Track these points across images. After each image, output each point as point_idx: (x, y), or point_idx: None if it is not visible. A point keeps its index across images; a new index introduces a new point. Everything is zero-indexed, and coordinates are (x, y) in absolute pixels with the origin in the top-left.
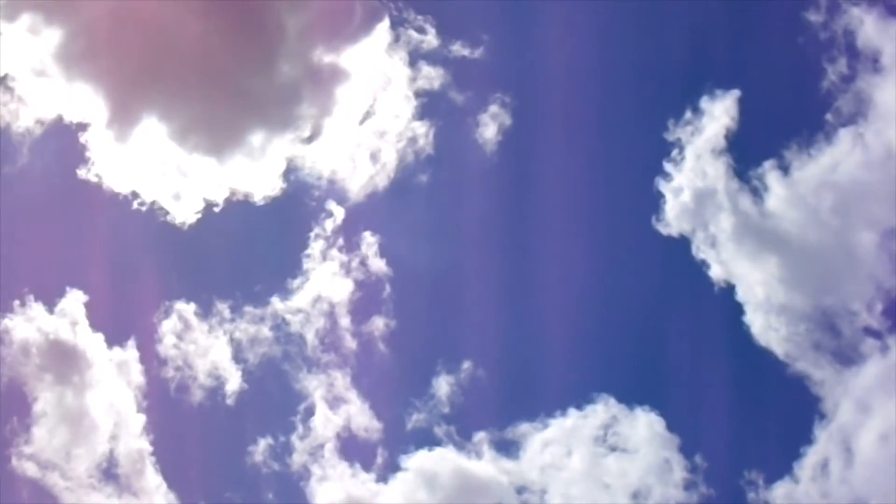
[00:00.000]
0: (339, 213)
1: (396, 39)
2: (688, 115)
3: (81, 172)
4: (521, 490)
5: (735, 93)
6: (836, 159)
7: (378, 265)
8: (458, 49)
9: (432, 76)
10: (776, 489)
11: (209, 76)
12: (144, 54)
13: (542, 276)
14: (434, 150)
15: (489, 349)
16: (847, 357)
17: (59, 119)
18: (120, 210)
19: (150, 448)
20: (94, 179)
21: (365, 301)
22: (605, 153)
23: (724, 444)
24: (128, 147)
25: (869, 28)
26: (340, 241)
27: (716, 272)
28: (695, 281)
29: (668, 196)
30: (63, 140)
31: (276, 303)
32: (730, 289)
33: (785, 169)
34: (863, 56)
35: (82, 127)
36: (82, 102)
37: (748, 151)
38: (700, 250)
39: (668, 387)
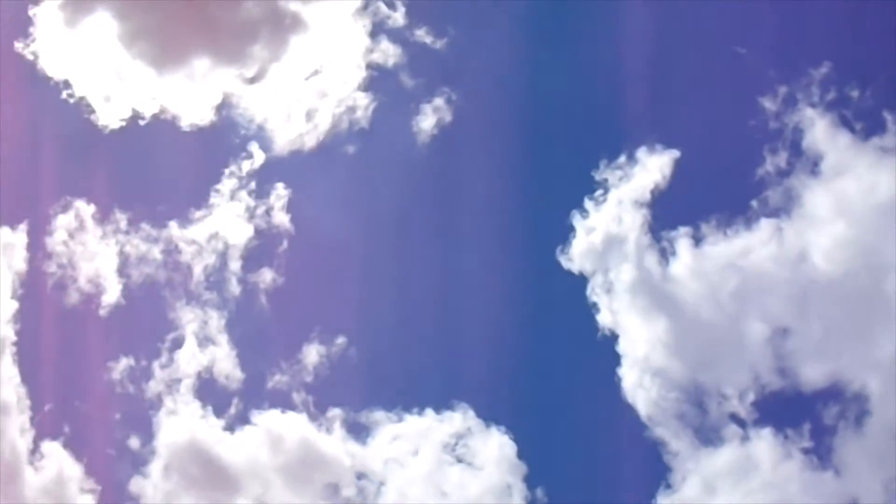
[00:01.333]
0: (259, 157)
1: (365, 7)
2: (622, 159)
3: (20, 45)
4: (360, 476)
5: (674, 153)
6: (751, 246)
7: (282, 219)
8: (422, 35)
9: (389, 53)
10: None
11: None
12: None
13: (436, 274)
14: (368, 126)
15: (367, 331)
16: (707, 436)
17: None
18: (47, 95)
19: (13, 337)
20: (30, 57)
21: (260, 251)
22: (532, 174)
23: (568, 485)
24: (74, 34)
25: (818, 132)
26: (252, 186)
27: (604, 318)
28: (582, 321)
29: (580, 232)
30: (11, 8)
31: (174, 228)
32: (613, 338)
33: (698, 240)
34: (804, 156)
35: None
36: None
37: (668, 212)
38: (595, 293)
39: (529, 415)
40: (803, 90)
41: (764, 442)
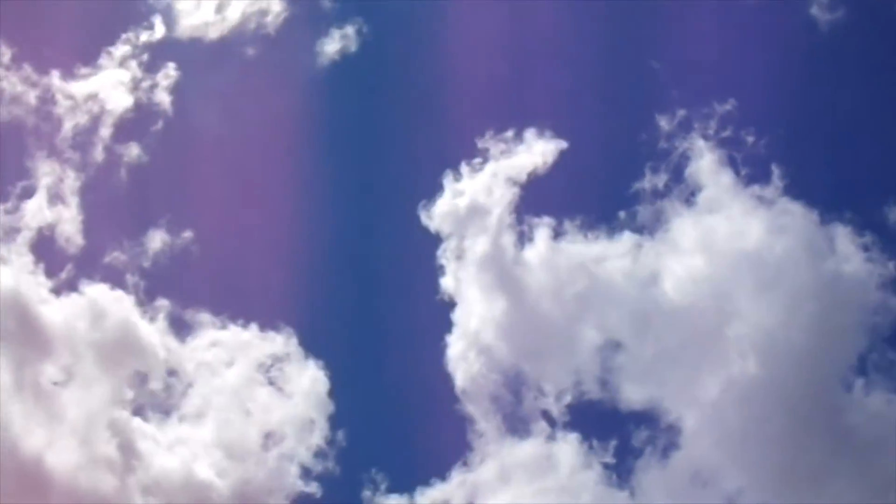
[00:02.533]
0: (159, 32)
1: None
2: (509, 134)
3: None
4: (171, 372)
5: (561, 143)
6: (607, 255)
7: (164, 99)
8: None
9: None
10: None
11: None
12: None
13: (299, 193)
14: (274, 34)
15: (214, 231)
16: (515, 426)
17: None
18: None
19: None
20: None
21: (133, 124)
22: (418, 126)
23: (368, 436)
24: None
25: (704, 164)
26: (144, 58)
27: (447, 283)
28: (425, 280)
29: (448, 193)
30: None
31: (55, 77)
32: (450, 304)
33: (558, 234)
34: (684, 184)
35: None
36: None
37: (538, 199)
38: (445, 256)
39: (350, 357)
40: (702, 120)
41: (568, 446)
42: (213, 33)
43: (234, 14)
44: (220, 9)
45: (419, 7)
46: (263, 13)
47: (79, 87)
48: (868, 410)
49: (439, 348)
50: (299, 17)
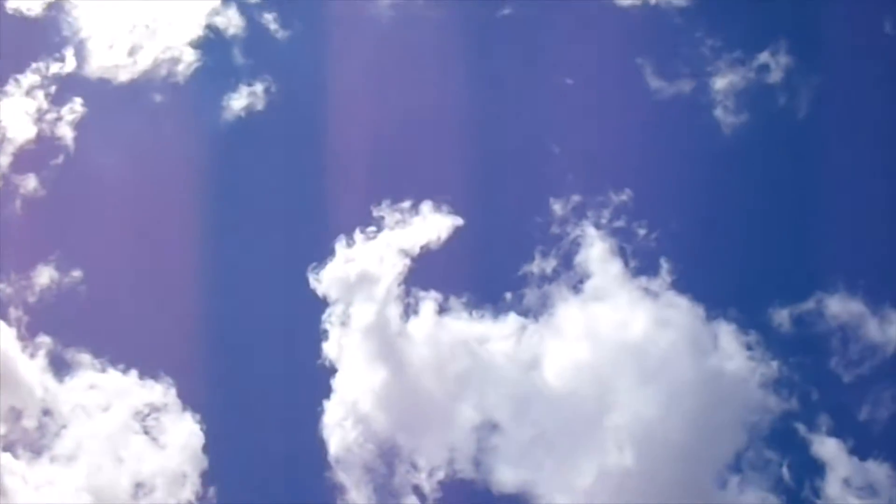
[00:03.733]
0: (70, 66)
1: None
2: (405, 204)
3: None
4: (46, 412)
5: (457, 220)
6: (490, 335)
7: (67, 133)
8: (269, 19)
9: (232, 23)
10: None
11: None
12: None
13: (192, 245)
14: (184, 83)
15: (104, 273)
16: (384, 498)
17: None
18: None
19: None
20: None
21: (33, 156)
22: (314, 186)
23: (240, 499)
24: None
25: (594, 252)
26: (52, 90)
27: (329, 348)
28: (308, 344)
29: (339, 258)
30: None
31: None
32: (331, 370)
33: (443, 309)
34: (573, 270)
35: None
36: None
37: (427, 272)
38: (330, 321)
39: (227, 413)
40: (596, 208)
41: None
42: (123, 75)
43: (145, 59)
44: (132, 52)
45: (329, 71)
46: (175, 61)
47: None
48: None
49: (316, 413)
50: (210, 69)
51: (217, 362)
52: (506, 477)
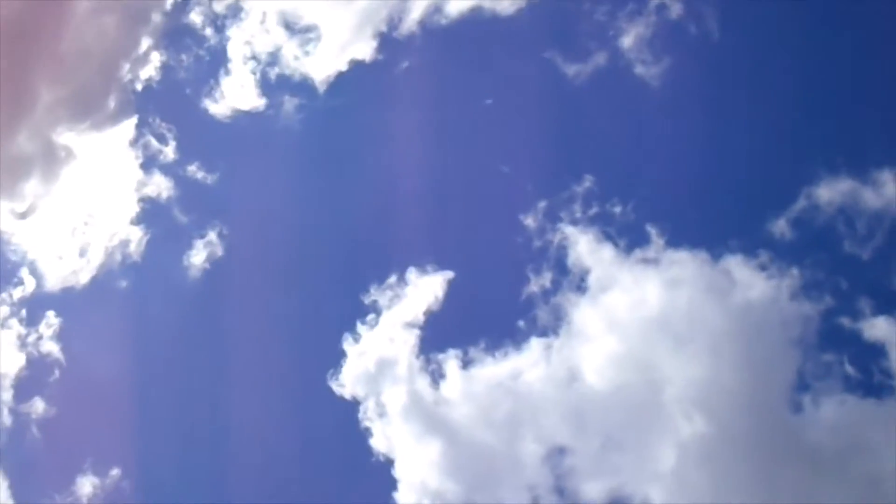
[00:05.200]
0: (30, 285)
1: (136, 141)
2: (392, 280)
3: None
4: None
5: (448, 274)
6: (520, 367)
7: (52, 348)
8: (193, 169)
9: (161, 187)
10: None
11: None
12: None
13: (208, 406)
14: (141, 259)
15: (140, 462)
16: None
17: None
18: None
19: None
20: None
21: (31, 380)
22: (303, 302)
23: None
24: None
25: (582, 247)
26: (23, 314)
27: (378, 443)
28: (356, 447)
29: (352, 356)
30: None
31: None
32: (388, 462)
33: (466, 363)
34: (570, 273)
35: None
36: None
37: (438, 334)
38: (368, 417)
39: None
40: (565, 206)
41: None
42: (84, 276)
43: (96, 252)
44: (82, 252)
45: (267, 195)
46: (125, 244)
47: None
48: (826, 422)
49: None
50: (159, 236)
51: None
52: (593, 491)
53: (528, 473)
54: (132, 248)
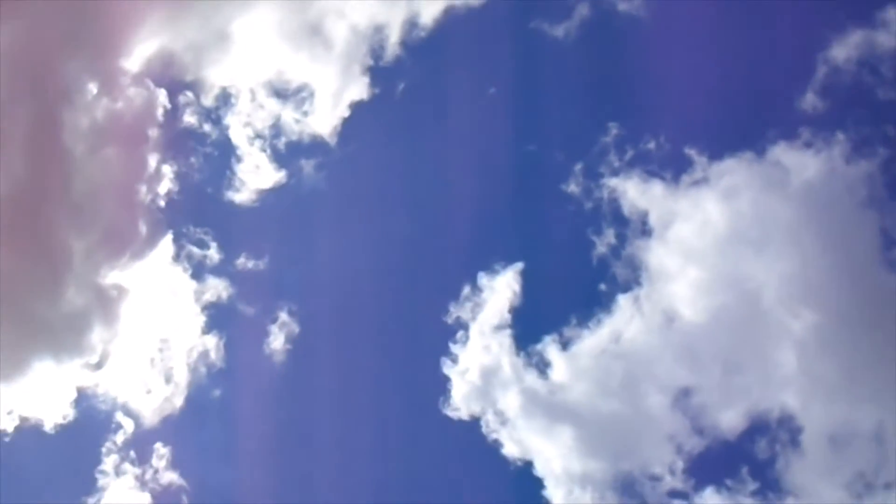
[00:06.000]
0: (129, 427)
1: (179, 254)
2: (466, 291)
3: None
4: None
5: (517, 266)
6: (617, 328)
7: (172, 477)
8: (242, 262)
9: (219, 289)
10: None
11: None
12: None
13: (328, 486)
14: (224, 363)
15: None
16: None
17: None
18: None
19: None
20: None
21: None
22: (390, 342)
23: None
24: None
25: (631, 193)
26: (133, 455)
27: (510, 450)
28: (490, 461)
29: (455, 378)
30: None
31: None
32: (527, 465)
33: (564, 343)
34: (630, 221)
35: None
36: None
37: (529, 325)
38: (491, 429)
39: None
40: (600, 160)
41: (712, 499)
42: (177, 401)
43: (181, 374)
44: (167, 378)
45: (324, 265)
46: (204, 355)
47: None
48: None
49: None
50: (234, 336)
51: None
52: (730, 420)
53: (662, 425)
54: (212, 356)
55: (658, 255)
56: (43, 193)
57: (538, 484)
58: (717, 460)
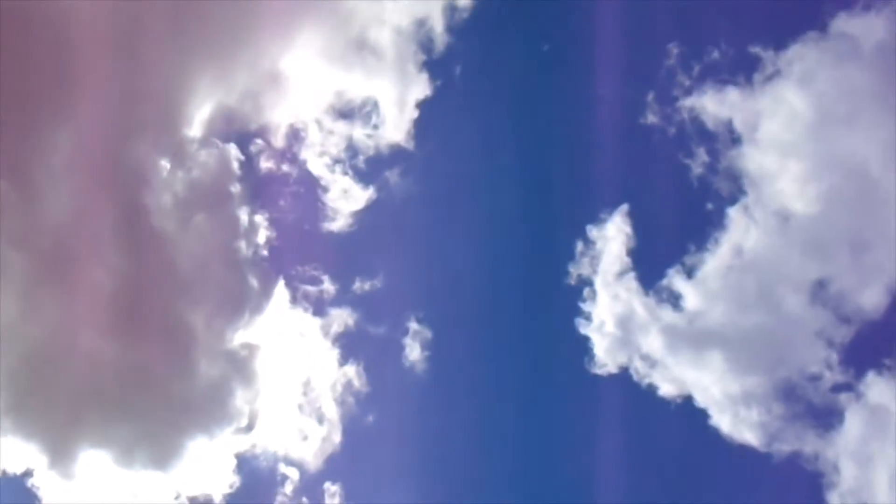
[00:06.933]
0: (293, 474)
1: (296, 296)
2: (580, 248)
3: None
4: None
5: (623, 208)
6: (735, 242)
7: None
8: (360, 284)
9: (344, 318)
10: None
11: (136, 393)
12: (67, 391)
13: (512, 475)
14: (371, 388)
15: None
16: (827, 420)
17: (3, 473)
18: None
19: None
20: None
21: None
22: (521, 321)
23: None
24: (75, 482)
25: (709, 106)
26: (305, 501)
27: (667, 390)
28: (650, 407)
29: (593, 335)
30: (11, 491)
31: None
32: (687, 400)
33: (690, 271)
34: (718, 133)
35: (27, 474)
36: (19, 452)
37: (650, 263)
38: (642, 375)
39: None
40: (668, 84)
41: (879, 387)
42: (335, 437)
43: (330, 411)
44: (319, 419)
45: (441, 264)
46: (349, 386)
47: None
48: None
49: (715, 436)
50: (373, 359)
51: None
52: (872, 298)
53: (807, 323)
54: (356, 384)
55: (754, 159)
56: (148, 280)
57: (703, 415)
58: (870, 343)
